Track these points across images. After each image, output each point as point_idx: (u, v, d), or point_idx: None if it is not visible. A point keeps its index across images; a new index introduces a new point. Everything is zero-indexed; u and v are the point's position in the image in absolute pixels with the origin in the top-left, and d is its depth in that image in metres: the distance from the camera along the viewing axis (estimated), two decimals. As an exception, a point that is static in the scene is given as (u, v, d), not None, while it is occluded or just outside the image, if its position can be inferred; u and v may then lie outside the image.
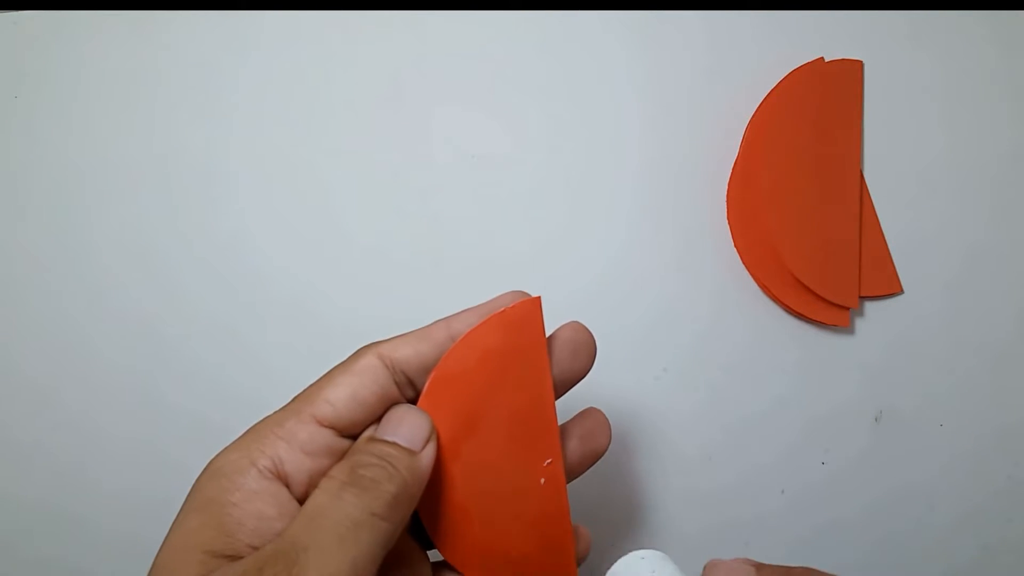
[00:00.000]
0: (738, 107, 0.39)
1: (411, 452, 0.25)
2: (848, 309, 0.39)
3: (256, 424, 0.26)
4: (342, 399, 0.26)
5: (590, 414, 0.30)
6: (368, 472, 0.24)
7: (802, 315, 0.39)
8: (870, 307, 0.40)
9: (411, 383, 0.27)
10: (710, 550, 0.38)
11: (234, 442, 0.26)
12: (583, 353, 0.29)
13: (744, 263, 0.39)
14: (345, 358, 0.27)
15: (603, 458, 0.30)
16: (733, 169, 0.40)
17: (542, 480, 0.28)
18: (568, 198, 0.40)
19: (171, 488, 0.38)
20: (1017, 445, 0.39)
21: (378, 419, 0.27)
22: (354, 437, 0.27)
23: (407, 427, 0.25)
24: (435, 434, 0.26)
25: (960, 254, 0.40)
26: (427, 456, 0.25)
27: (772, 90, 0.39)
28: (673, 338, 0.39)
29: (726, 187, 0.40)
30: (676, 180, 0.40)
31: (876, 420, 0.39)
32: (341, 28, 0.41)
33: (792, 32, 0.40)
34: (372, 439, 0.26)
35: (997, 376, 0.40)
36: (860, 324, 0.40)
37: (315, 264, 0.40)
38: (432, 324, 0.28)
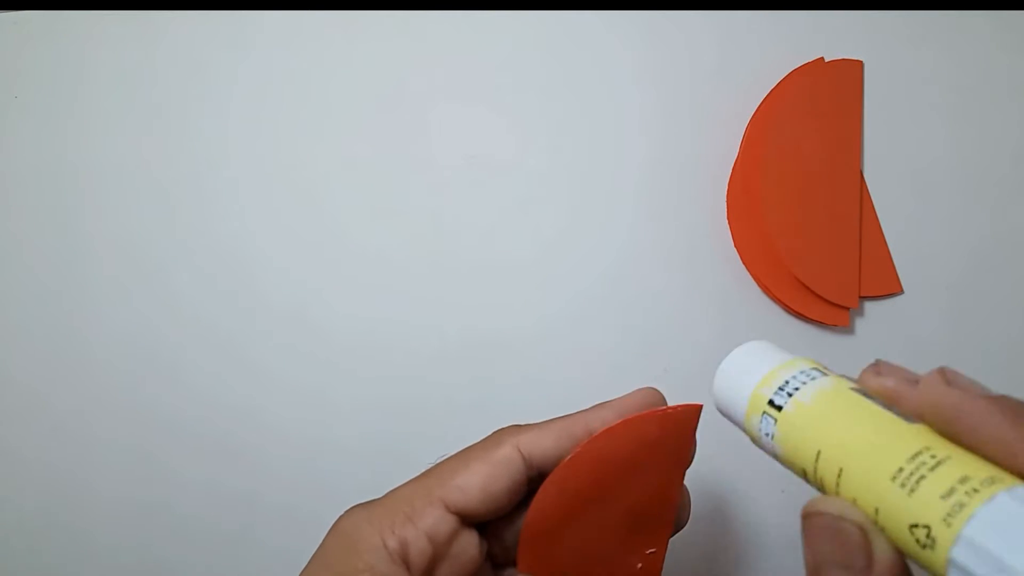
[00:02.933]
0: (738, 107, 0.39)
1: None
2: (848, 309, 0.39)
3: (388, 495, 0.26)
4: (474, 488, 0.26)
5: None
6: None
7: (802, 315, 0.39)
8: (870, 307, 0.40)
9: (543, 476, 0.27)
10: (710, 551, 0.38)
11: (367, 512, 0.26)
12: (685, 506, 0.29)
13: (744, 263, 0.39)
14: (484, 438, 0.27)
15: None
16: (733, 169, 0.40)
17: (639, 565, 0.28)
18: (568, 198, 0.40)
19: (167, 493, 0.38)
20: (1017, 445, 0.39)
21: (508, 513, 0.27)
22: (474, 525, 0.27)
23: None
24: None
25: (960, 254, 0.40)
26: None
27: (772, 90, 0.39)
28: (673, 338, 0.39)
29: (726, 187, 0.40)
30: (676, 180, 0.40)
31: (876, 420, 0.39)
32: (342, 29, 0.41)
33: (792, 32, 0.40)
34: None
35: (997, 376, 0.39)
36: (860, 324, 0.40)
37: (314, 267, 0.40)
38: (570, 417, 0.27)
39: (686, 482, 0.30)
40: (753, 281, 0.39)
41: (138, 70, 0.41)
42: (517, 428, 0.27)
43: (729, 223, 0.40)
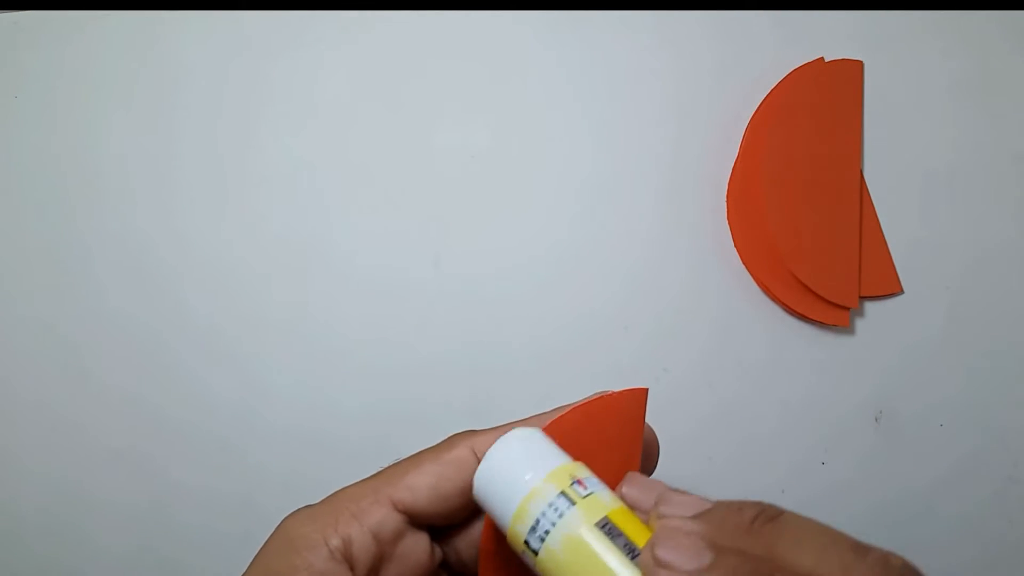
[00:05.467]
0: (738, 107, 0.39)
1: None
2: (848, 309, 0.39)
3: (334, 495, 0.26)
4: (424, 487, 0.25)
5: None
6: None
7: (802, 315, 0.39)
8: (870, 307, 0.40)
9: None
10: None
11: (310, 511, 0.25)
12: (649, 454, 0.28)
13: (744, 263, 0.39)
14: (439, 441, 0.26)
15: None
16: (733, 169, 0.40)
17: None
18: (568, 199, 0.40)
19: (166, 495, 0.38)
20: (1017, 445, 0.39)
21: (462, 519, 0.26)
22: (426, 528, 0.26)
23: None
24: None
25: (960, 254, 0.40)
26: None
27: (772, 90, 0.39)
28: (673, 338, 0.39)
29: (726, 187, 0.40)
30: (676, 180, 0.40)
31: (876, 420, 0.39)
32: (342, 30, 0.41)
33: (792, 32, 0.40)
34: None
35: (997, 376, 0.40)
36: (860, 324, 0.40)
37: (314, 269, 0.40)
38: (526, 421, 0.27)
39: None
40: (753, 281, 0.39)
41: (138, 70, 0.41)
42: (472, 432, 0.26)
43: (729, 223, 0.40)
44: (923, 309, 0.40)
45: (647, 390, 0.27)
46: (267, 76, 0.40)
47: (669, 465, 0.39)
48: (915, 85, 0.40)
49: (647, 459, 0.28)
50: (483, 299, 0.39)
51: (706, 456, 0.39)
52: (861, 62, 0.40)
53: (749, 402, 0.39)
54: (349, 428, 0.39)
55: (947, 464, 0.39)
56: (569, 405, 0.26)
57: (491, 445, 0.25)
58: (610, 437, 0.27)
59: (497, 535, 0.25)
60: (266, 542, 0.25)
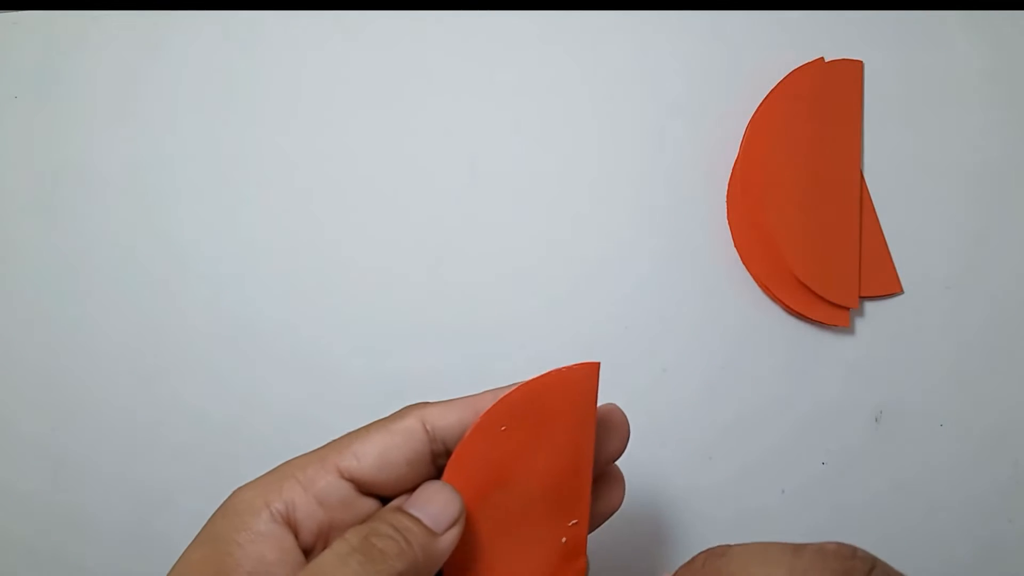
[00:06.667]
0: (738, 107, 0.39)
1: (432, 533, 0.24)
2: (848, 309, 0.39)
3: (281, 465, 0.26)
4: (370, 455, 0.25)
5: (610, 473, 0.30)
6: (380, 543, 0.23)
7: (802, 315, 0.39)
8: (870, 307, 0.40)
9: (448, 453, 0.26)
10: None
11: (255, 480, 0.26)
12: (619, 434, 0.29)
13: (744, 263, 0.39)
14: (391, 413, 0.27)
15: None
16: (733, 169, 0.40)
17: (563, 539, 0.27)
18: (568, 199, 0.40)
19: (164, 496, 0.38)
20: (1017, 445, 0.39)
21: (410, 489, 0.26)
22: (378, 497, 0.26)
23: (435, 505, 0.25)
24: (463, 518, 0.25)
25: (960, 254, 0.40)
26: (448, 540, 0.24)
27: (772, 90, 0.39)
28: (673, 338, 0.39)
29: (726, 187, 0.40)
30: (676, 180, 0.40)
31: (876, 420, 0.39)
32: (342, 30, 0.41)
33: (792, 32, 0.40)
34: (398, 509, 0.25)
35: (997, 376, 0.40)
36: (860, 324, 0.40)
37: (314, 271, 0.40)
38: (481, 394, 0.27)
39: (621, 465, 0.29)
40: (753, 281, 0.39)
41: (138, 70, 0.41)
42: (424, 404, 0.27)
43: (729, 223, 0.40)
44: (923, 309, 0.40)
45: (599, 364, 0.27)
46: (268, 76, 0.40)
47: (669, 464, 0.39)
48: (915, 85, 0.40)
49: (616, 439, 0.29)
50: (482, 301, 0.39)
51: (706, 456, 0.39)
52: (861, 62, 0.40)
53: (749, 402, 0.39)
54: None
55: (947, 464, 0.39)
56: (523, 381, 0.27)
57: (444, 422, 0.26)
58: (563, 411, 0.27)
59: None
60: (214, 512, 0.25)
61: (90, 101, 0.41)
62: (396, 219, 0.40)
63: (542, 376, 0.27)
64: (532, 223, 0.40)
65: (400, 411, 0.27)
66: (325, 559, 0.23)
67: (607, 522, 0.29)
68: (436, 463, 0.27)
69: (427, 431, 0.26)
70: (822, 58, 0.39)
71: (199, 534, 0.25)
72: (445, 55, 0.40)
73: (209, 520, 0.25)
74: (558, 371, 0.27)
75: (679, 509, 0.39)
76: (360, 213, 0.40)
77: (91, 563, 0.38)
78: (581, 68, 0.40)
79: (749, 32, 0.40)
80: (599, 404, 0.28)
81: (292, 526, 0.25)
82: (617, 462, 0.29)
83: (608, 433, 0.29)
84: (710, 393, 0.39)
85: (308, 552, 0.25)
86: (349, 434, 0.26)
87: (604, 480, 0.29)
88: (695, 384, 0.39)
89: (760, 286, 0.39)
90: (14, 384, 0.39)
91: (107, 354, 0.39)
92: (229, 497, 0.25)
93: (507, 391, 0.26)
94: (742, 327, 0.39)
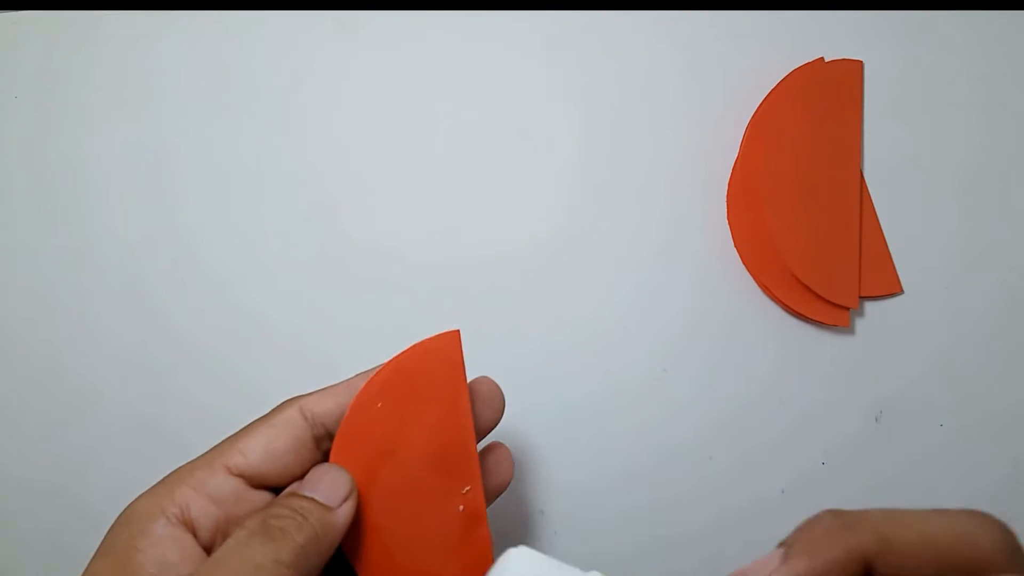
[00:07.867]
0: (738, 107, 0.39)
1: (327, 508, 0.25)
2: (848, 309, 0.39)
3: (170, 473, 0.27)
4: (255, 450, 0.27)
5: (494, 448, 0.31)
6: (279, 523, 0.24)
7: (802, 315, 0.39)
8: (870, 307, 0.40)
9: (331, 437, 0.28)
10: (710, 550, 0.38)
11: (146, 491, 0.26)
12: (492, 404, 0.30)
13: (744, 263, 0.39)
14: (269, 410, 0.28)
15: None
16: (733, 169, 0.40)
17: (461, 507, 0.28)
18: (567, 198, 0.40)
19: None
20: (1017, 445, 0.39)
21: (300, 476, 0.27)
22: (269, 488, 0.27)
23: (326, 484, 0.26)
24: (355, 492, 0.26)
25: (960, 254, 0.40)
26: (344, 512, 0.26)
27: (772, 90, 0.39)
28: (672, 338, 0.39)
29: (726, 187, 0.40)
30: (676, 180, 0.40)
31: (876, 420, 0.39)
32: (342, 30, 0.41)
33: (792, 32, 0.40)
34: (291, 493, 0.26)
35: (997, 375, 0.40)
36: (860, 324, 0.40)
37: (313, 272, 0.40)
38: (355, 377, 0.28)
39: (505, 441, 0.31)
40: (753, 281, 0.39)
41: (139, 70, 0.41)
42: (300, 396, 0.28)
43: (729, 223, 0.40)
44: (923, 309, 0.40)
45: (459, 331, 0.28)
46: (268, 76, 0.40)
47: (669, 464, 0.39)
48: (915, 85, 0.40)
49: (490, 408, 0.30)
50: (483, 300, 0.39)
51: (706, 455, 0.39)
52: (861, 62, 0.40)
53: (749, 402, 0.39)
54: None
55: (947, 464, 0.39)
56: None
57: (322, 407, 0.27)
58: (433, 381, 0.28)
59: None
60: (109, 528, 0.26)
61: (90, 101, 0.41)
62: (397, 219, 0.40)
63: (407, 350, 0.28)
64: (532, 223, 0.40)
65: (279, 405, 0.28)
66: (227, 545, 0.24)
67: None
68: (321, 448, 0.28)
69: (307, 419, 0.27)
70: (822, 58, 0.39)
71: (99, 547, 0.25)
72: (446, 55, 0.40)
73: (107, 533, 0.26)
74: (421, 343, 0.28)
75: (679, 509, 0.39)
76: (361, 212, 0.40)
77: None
78: (581, 68, 0.40)
79: (749, 32, 0.40)
80: (473, 377, 0.29)
81: (189, 527, 0.26)
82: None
83: (483, 403, 0.30)
84: (709, 393, 0.39)
85: (209, 549, 0.26)
86: (233, 435, 0.27)
87: (491, 454, 0.31)
88: (695, 384, 0.39)
89: (760, 286, 0.39)
90: (17, 383, 0.39)
91: (108, 353, 0.39)
92: (123, 510, 0.26)
93: (377, 370, 0.28)
94: (742, 327, 0.39)
